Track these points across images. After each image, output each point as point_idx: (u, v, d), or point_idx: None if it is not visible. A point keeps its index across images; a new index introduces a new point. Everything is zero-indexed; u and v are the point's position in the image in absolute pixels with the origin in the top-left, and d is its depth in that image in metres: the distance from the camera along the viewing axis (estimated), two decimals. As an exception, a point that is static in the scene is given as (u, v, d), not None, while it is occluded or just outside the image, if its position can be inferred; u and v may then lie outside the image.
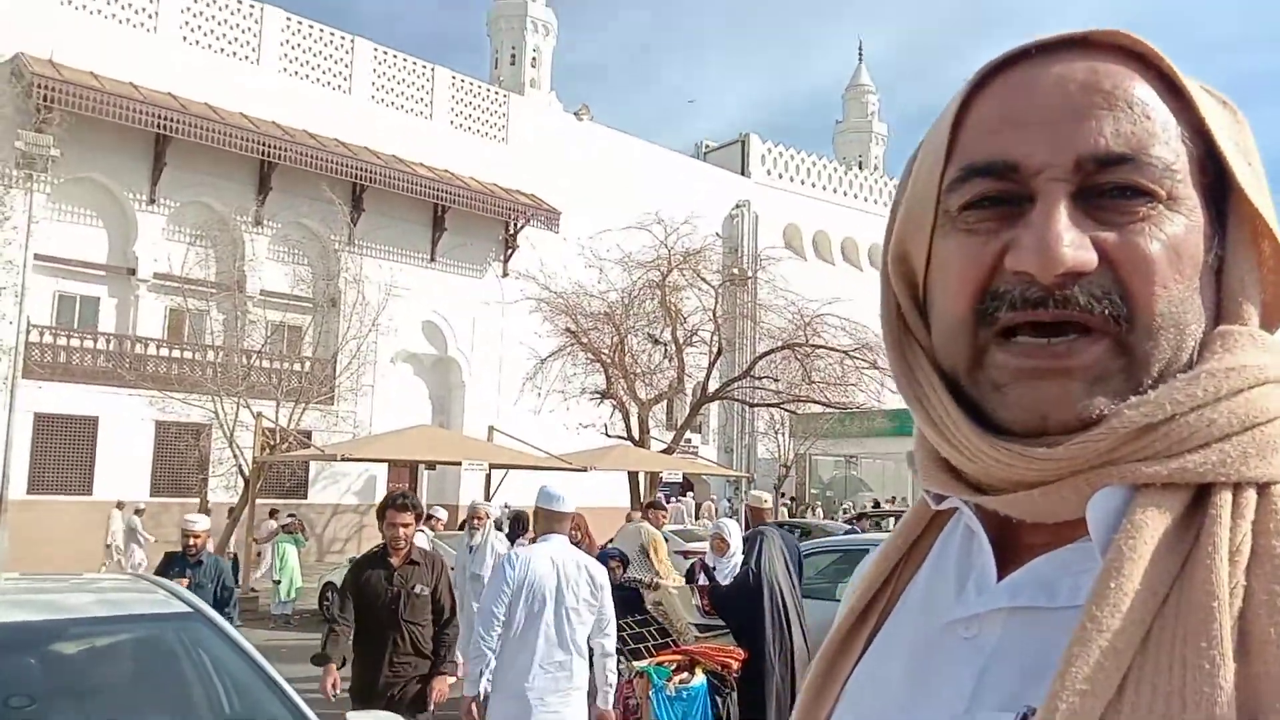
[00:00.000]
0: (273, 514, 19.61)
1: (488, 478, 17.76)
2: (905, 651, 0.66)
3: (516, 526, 9.70)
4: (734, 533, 7.12)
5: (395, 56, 30.02)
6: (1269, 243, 0.62)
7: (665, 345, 23.34)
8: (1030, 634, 0.59)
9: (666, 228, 22.95)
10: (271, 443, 17.74)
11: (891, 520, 21.51)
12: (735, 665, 6.29)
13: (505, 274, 30.52)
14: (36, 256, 22.42)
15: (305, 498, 25.01)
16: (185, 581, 6.46)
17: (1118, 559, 0.54)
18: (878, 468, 34.89)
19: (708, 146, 44.19)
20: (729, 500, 28.85)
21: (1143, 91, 0.60)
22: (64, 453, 22.67)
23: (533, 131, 32.52)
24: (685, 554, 11.75)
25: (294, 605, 15.39)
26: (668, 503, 20.32)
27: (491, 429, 20.29)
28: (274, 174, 25.76)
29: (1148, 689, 0.51)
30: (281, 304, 24.33)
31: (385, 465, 23.80)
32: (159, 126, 23.46)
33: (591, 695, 5.28)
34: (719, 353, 23.32)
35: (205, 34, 26.26)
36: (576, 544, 7.98)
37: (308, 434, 20.77)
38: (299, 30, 28.10)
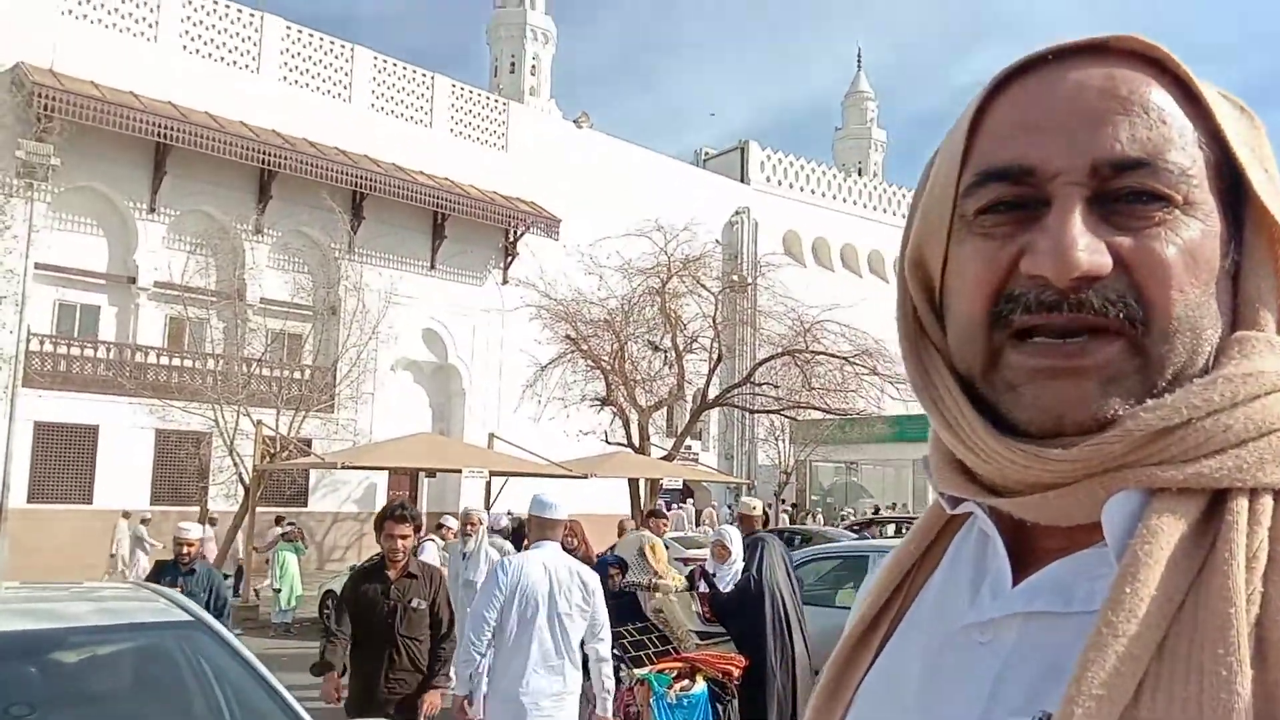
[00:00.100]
0: (279, 521, 19.65)
1: (488, 485, 17.75)
2: (919, 656, 0.66)
3: (521, 534, 9.69)
4: (735, 540, 7.11)
5: (395, 65, 30.08)
6: None
7: (665, 352, 23.34)
8: (1046, 639, 0.58)
9: (666, 235, 22.98)
10: (272, 451, 17.73)
11: (892, 527, 21.50)
12: (736, 672, 6.29)
13: (505, 281, 30.54)
14: (37, 265, 22.42)
15: (305, 506, 24.99)
16: (177, 590, 6.44)
17: (1133, 564, 0.54)
18: (878, 474, 34.86)
19: (707, 154, 44.30)
20: (729, 507, 28.82)
21: (1159, 97, 0.60)
22: (64, 462, 22.66)
23: (532, 139, 32.58)
24: (685, 561, 11.74)
25: (294, 614, 15.36)
26: (668, 510, 20.32)
27: (492, 436, 20.29)
28: (274, 182, 25.79)
29: (1164, 695, 0.50)
30: (282, 312, 24.33)
31: (385, 473, 23.81)
32: (159, 135, 23.49)
33: (587, 700, 5.31)
34: (719, 359, 23.32)
35: (205, 43, 26.32)
36: (573, 550, 7.99)
37: (308, 442, 20.75)
38: (299, 39, 28.17)
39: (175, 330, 24.28)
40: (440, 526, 11.88)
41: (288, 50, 27.90)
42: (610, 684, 5.24)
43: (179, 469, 22.13)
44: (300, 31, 28.23)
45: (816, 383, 22.63)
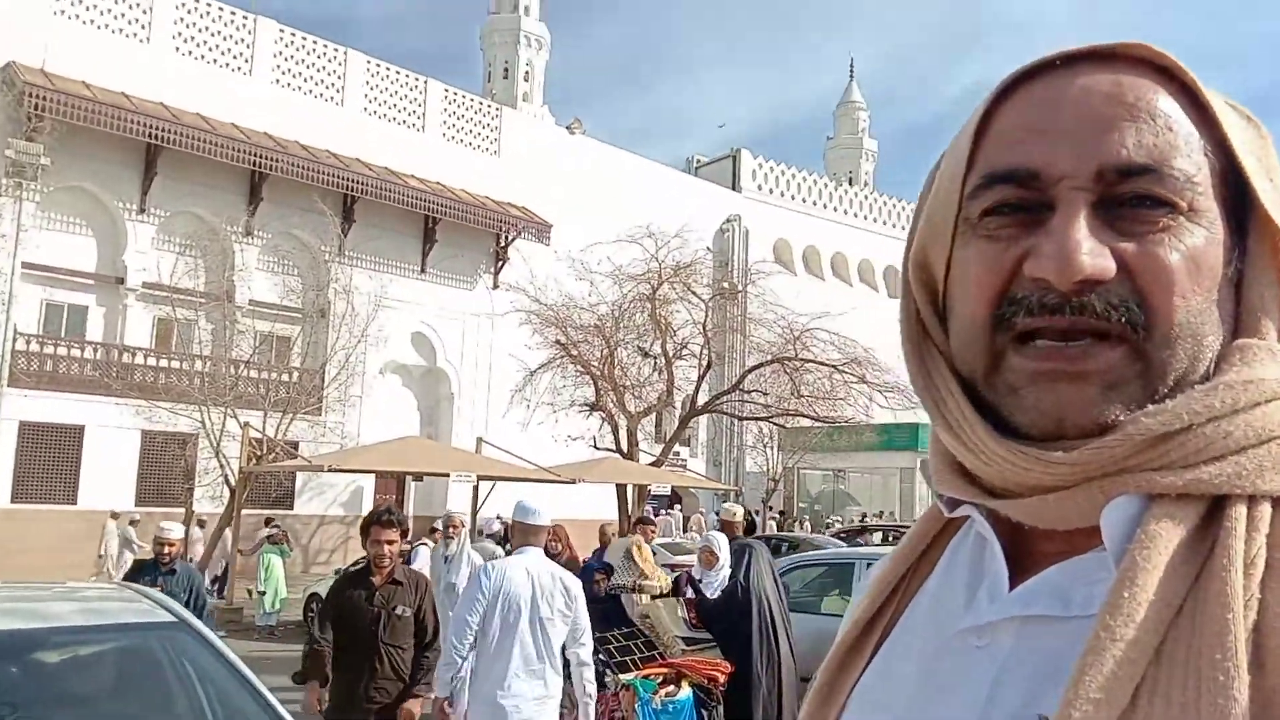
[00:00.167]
0: (269, 522, 19.57)
1: (475, 490, 17.70)
2: (914, 659, 0.66)
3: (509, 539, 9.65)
4: (723, 546, 7.12)
5: (388, 69, 30.07)
6: None
7: (655, 358, 23.34)
8: (1043, 643, 0.59)
9: (657, 241, 23.00)
10: (258, 453, 17.66)
11: (879, 535, 21.52)
12: (722, 678, 6.29)
13: (495, 286, 30.52)
14: (25, 265, 22.35)
15: (291, 508, 24.89)
16: (157, 590, 6.38)
17: (1132, 569, 0.54)
18: (865, 482, 34.92)
19: (699, 161, 44.35)
20: (717, 513, 28.80)
21: (1166, 104, 0.61)
22: (49, 462, 22.53)
23: (525, 144, 32.58)
24: (673, 567, 11.73)
25: (278, 616, 15.29)
26: (655, 516, 20.30)
27: (480, 441, 20.24)
28: (265, 184, 25.73)
29: (1161, 700, 0.51)
30: (270, 314, 24.25)
31: (372, 477, 23.73)
32: (150, 136, 23.42)
33: (571, 705, 5.34)
34: (708, 366, 23.34)
35: (198, 45, 26.26)
36: (557, 555, 7.98)
37: (295, 444, 20.69)
38: (292, 42, 28.13)
39: (163, 331, 24.18)
40: (434, 531, 11.84)
41: (280, 53, 27.87)
42: (592, 689, 5.27)
43: (165, 470, 22.04)
44: (293, 34, 28.20)
45: (805, 390, 22.66)
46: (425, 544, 11.00)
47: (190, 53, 26.07)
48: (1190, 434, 0.56)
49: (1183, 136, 0.60)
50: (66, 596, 3.94)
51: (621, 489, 20.89)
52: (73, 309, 24.16)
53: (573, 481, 17.30)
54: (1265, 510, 0.55)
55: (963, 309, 0.64)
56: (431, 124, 30.56)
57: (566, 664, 5.26)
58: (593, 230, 28.80)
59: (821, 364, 22.38)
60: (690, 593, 7.01)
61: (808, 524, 30.02)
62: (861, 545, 16.38)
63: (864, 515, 30.41)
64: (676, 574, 8.30)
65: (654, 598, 8.06)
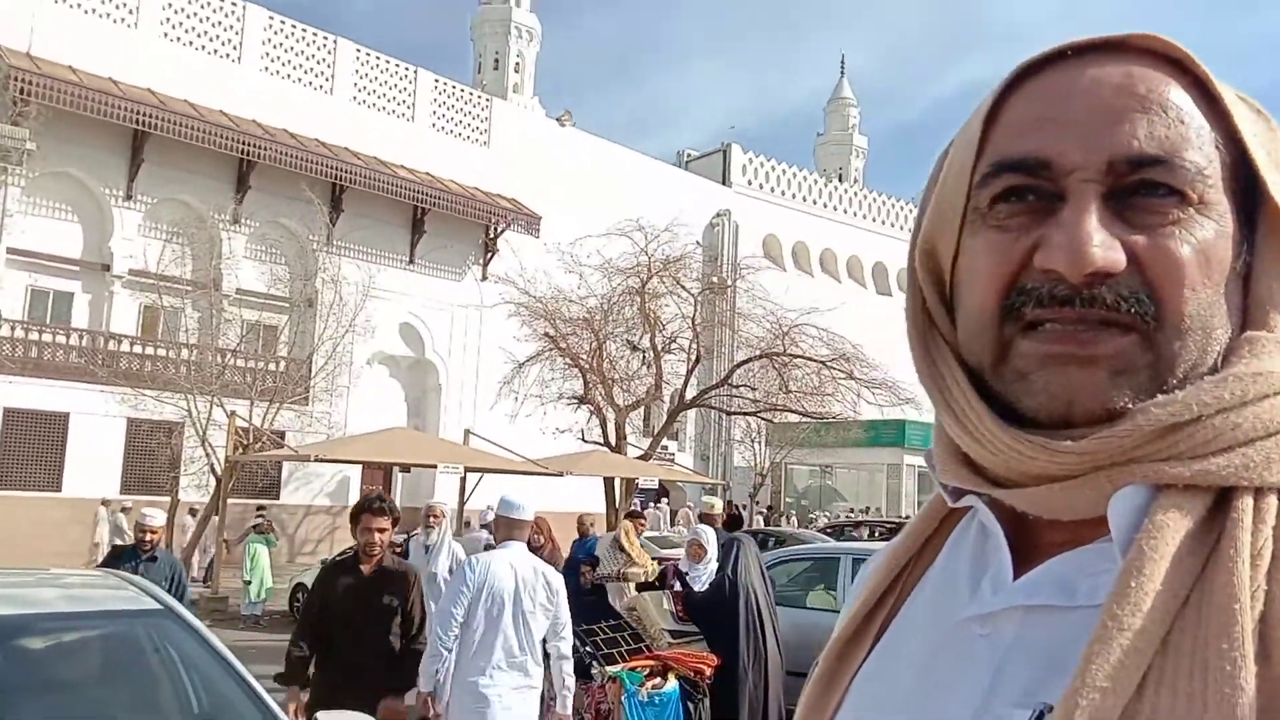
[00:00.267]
0: (260, 511, 19.55)
1: (463, 481, 17.69)
2: (916, 648, 0.66)
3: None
4: (711, 539, 7.13)
5: (378, 58, 29.93)
6: None
7: (644, 352, 23.34)
8: (1047, 632, 0.59)
9: (647, 235, 22.97)
10: (244, 442, 17.59)
11: (865, 531, 21.61)
12: (708, 671, 6.30)
13: (484, 278, 30.45)
14: (10, 250, 22.18)
15: (278, 498, 24.82)
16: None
17: (1139, 559, 0.54)
18: (852, 477, 35.03)
19: (689, 155, 44.37)
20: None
21: (1178, 96, 0.61)
22: (33, 449, 22.40)
23: (515, 136, 32.50)
24: (660, 560, 11.76)
25: (264, 606, 15.26)
26: (643, 509, 20.32)
27: (468, 432, 20.22)
28: (253, 173, 25.60)
29: (1168, 690, 0.51)
30: (258, 303, 24.14)
31: (359, 467, 23.67)
32: (137, 122, 23.26)
33: (548, 698, 5.42)
34: (697, 360, 23.34)
35: (186, 31, 26.09)
36: (539, 548, 7.99)
37: (281, 434, 20.60)
38: (281, 29, 27.98)
39: (149, 319, 24.05)
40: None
41: (269, 40, 27.71)
42: (570, 681, 5.37)
43: (150, 459, 21.93)
44: (283, 22, 28.05)
45: (793, 386, 22.69)
46: (418, 534, 10.94)
47: (179, 39, 25.90)
48: (1199, 425, 0.56)
49: (1194, 129, 0.60)
50: (51, 583, 3.92)
51: (609, 482, 20.90)
52: (58, 295, 24.01)
53: (560, 474, 17.30)
54: (1272, 502, 0.55)
55: (971, 299, 0.64)
56: (421, 114, 30.45)
57: (547, 655, 5.35)
58: (582, 223, 28.75)
59: (810, 359, 22.42)
60: (677, 585, 7.02)
61: (794, 519, 30.12)
62: (856, 540, 16.42)
63: (851, 510, 30.52)
64: (663, 566, 8.32)
65: (639, 586, 8.08)
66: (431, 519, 9.18)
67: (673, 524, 26.38)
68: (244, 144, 24.88)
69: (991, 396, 0.62)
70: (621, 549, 8.21)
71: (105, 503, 20.96)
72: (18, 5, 22.71)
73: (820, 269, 43.61)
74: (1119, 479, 0.57)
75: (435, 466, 16.82)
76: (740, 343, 24.33)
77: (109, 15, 24.77)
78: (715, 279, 26.94)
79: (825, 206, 44.81)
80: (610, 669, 6.16)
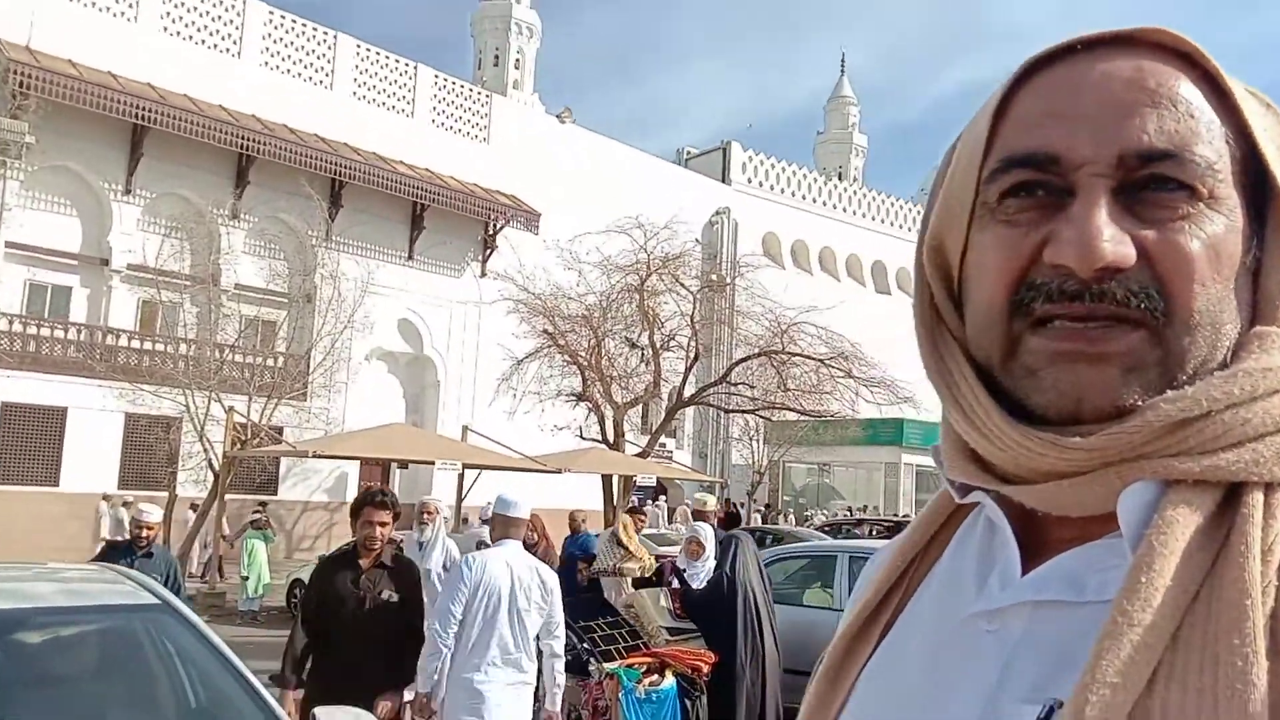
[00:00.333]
0: (263, 508, 19.55)
1: (461, 478, 17.68)
2: (923, 644, 0.66)
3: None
4: (709, 537, 7.13)
5: (378, 54, 29.90)
6: None
7: (642, 349, 23.33)
8: (1056, 628, 0.58)
9: (646, 232, 22.95)
10: (242, 438, 17.57)
11: (867, 529, 21.62)
12: (706, 668, 6.30)
13: (483, 274, 30.44)
14: (8, 244, 22.16)
15: (275, 494, 24.81)
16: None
17: (1149, 554, 0.54)
18: (850, 476, 35.06)
19: (689, 153, 44.35)
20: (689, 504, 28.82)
21: (1187, 90, 0.60)
22: (31, 443, 22.38)
23: (514, 133, 32.48)
24: (657, 558, 11.76)
25: (261, 601, 15.26)
26: (641, 507, 20.30)
27: (466, 429, 20.21)
28: (252, 168, 25.57)
29: (1178, 686, 0.50)
30: (256, 299, 24.12)
31: (357, 463, 23.65)
32: (137, 117, 23.23)
33: (540, 694, 5.47)
34: (695, 358, 23.34)
35: (186, 25, 26.06)
36: (533, 545, 8.03)
37: (279, 430, 20.58)
38: (281, 24, 27.95)
39: (148, 314, 24.02)
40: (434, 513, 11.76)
41: (269, 35, 27.68)
42: (561, 679, 5.45)
43: (148, 454, 21.90)
44: (283, 17, 28.01)
45: (792, 384, 22.69)
46: (412, 532, 10.91)
47: (178, 33, 25.86)
48: (1209, 420, 0.56)
49: (1204, 123, 0.60)
50: (48, 577, 3.91)
51: (607, 479, 20.90)
52: (56, 289, 23.98)
53: (558, 471, 17.30)
54: None
55: (980, 294, 0.64)
56: (421, 110, 30.43)
57: (539, 654, 5.42)
58: (582, 220, 28.75)
59: (808, 358, 22.42)
60: (675, 583, 7.02)
61: (791, 517, 30.15)
62: (859, 537, 16.41)
63: (849, 509, 30.54)
64: (660, 563, 8.32)
65: (636, 583, 8.08)
66: (425, 516, 9.11)
67: (671, 521, 26.38)
68: (243, 139, 24.85)
69: (999, 393, 0.62)
70: (620, 543, 8.21)
71: (106, 497, 20.95)
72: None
73: (819, 267, 43.61)
74: (1129, 475, 0.57)
75: (433, 463, 16.81)
76: (739, 341, 24.33)
77: (109, 9, 24.73)
78: (714, 277, 26.93)
79: (825, 205, 44.80)
80: (608, 666, 6.16)
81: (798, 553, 10.67)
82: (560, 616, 5.45)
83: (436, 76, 31.16)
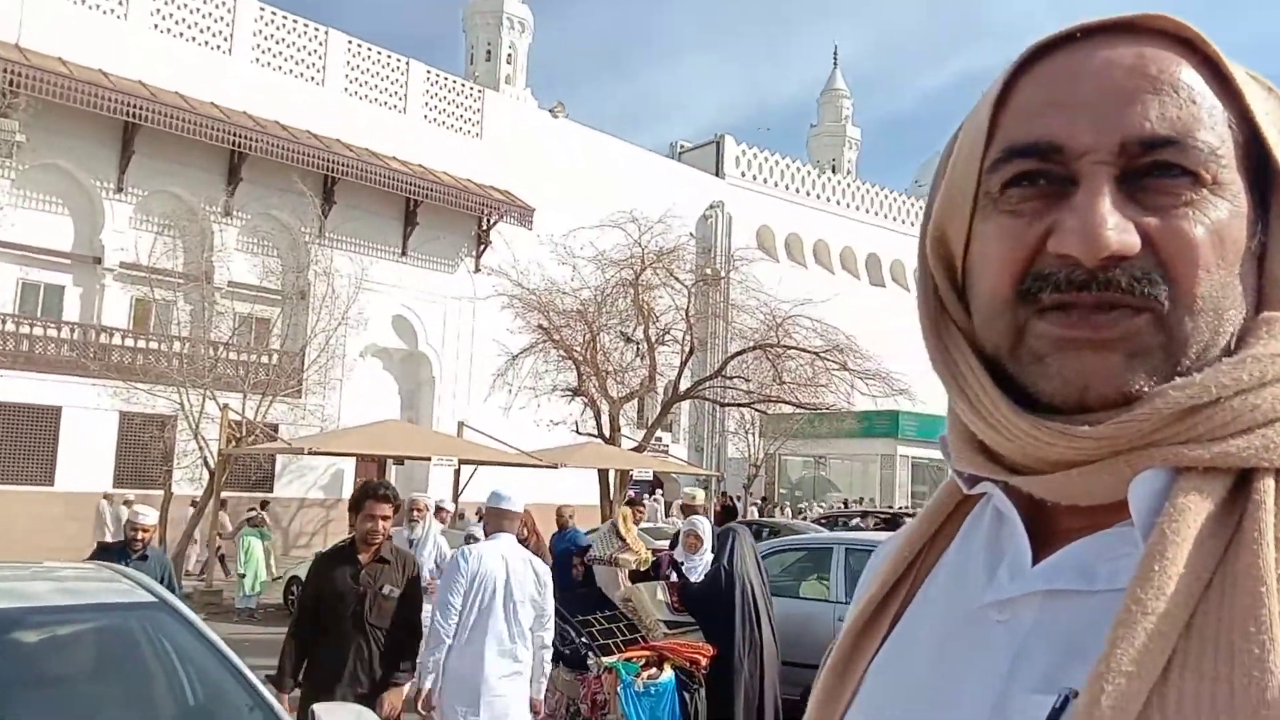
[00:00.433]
0: (264, 505, 19.55)
1: (457, 473, 17.68)
2: (932, 635, 0.65)
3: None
4: (706, 530, 7.14)
5: (369, 49, 29.81)
6: None
7: (637, 344, 23.33)
8: (1067, 617, 0.58)
9: (640, 226, 22.95)
10: (238, 435, 17.54)
11: (870, 521, 21.64)
12: (704, 661, 6.31)
13: (477, 270, 30.40)
14: (0, 243, 22.07)
15: (271, 491, 24.77)
16: None
17: (1161, 542, 0.53)
18: (846, 468, 35.11)
19: (683, 147, 44.29)
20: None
21: (1189, 76, 0.60)
22: (25, 443, 22.31)
23: (507, 128, 32.41)
24: (654, 552, 11.77)
25: (258, 599, 15.26)
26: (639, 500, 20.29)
27: (462, 425, 20.20)
28: (244, 165, 25.49)
29: (1193, 674, 0.50)
30: (250, 296, 24.07)
31: (353, 460, 23.63)
32: (128, 114, 23.13)
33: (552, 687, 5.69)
34: (691, 352, 23.35)
35: (176, 22, 25.95)
36: (524, 540, 8.09)
37: (274, 427, 20.55)
38: (272, 20, 27.83)
39: (141, 312, 23.95)
40: (439, 510, 11.78)
41: (260, 32, 27.57)
42: (548, 668, 5.68)
43: (143, 452, 21.86)
44: (273, 13, 27.90)
45: (787, 377, 22.72)
46: (402, 529, 10.88)
47: (169, 30, 25.75)
48: (1218, 407, 0.56)
49: (1206, 109, 0.60)
50: (44, 576, 3.90)
51: (603, 474, 20.91)
52: (49, 288, 23.90)
53: (555, 466, 17.30)
54: None
55: (985, 284, 0.63)
56: (413, 105, 30.35)
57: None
58: (576, 215, 28.72)
59: (803, 351, 22.45)
60: (673, 576, 7.03)
61: (788, 510, 30.20)
62: (862, 530, 16.40)
63: (844, 502, 30.59)
64: (657, 557, 8.32)
65: (633, 575, 8.08)
66: (415, 513, 8.99)
67: (668, 515, 26.41)
68: (235, 136, 24.76)
69: (1005, 383, 0.62)
70: (618, 534, 8.23)
71: (107, 497, 20.90)
72: (6, -4, 22.55)
73: (814, 260, 43.61)
74: (1138, 463, 0.57)
75: (429, 459, 16.82)
76: (734, 334, 24.35)
77: (99, 6, 24.61)
78: (709, 270, 26.93)
79: (818, 198, 44.78)
80: (606, 659, 6.17)
81: (794, 545, 10.68)
82: (551, 608, 5.59)
83: (429, 72, 31.07)
